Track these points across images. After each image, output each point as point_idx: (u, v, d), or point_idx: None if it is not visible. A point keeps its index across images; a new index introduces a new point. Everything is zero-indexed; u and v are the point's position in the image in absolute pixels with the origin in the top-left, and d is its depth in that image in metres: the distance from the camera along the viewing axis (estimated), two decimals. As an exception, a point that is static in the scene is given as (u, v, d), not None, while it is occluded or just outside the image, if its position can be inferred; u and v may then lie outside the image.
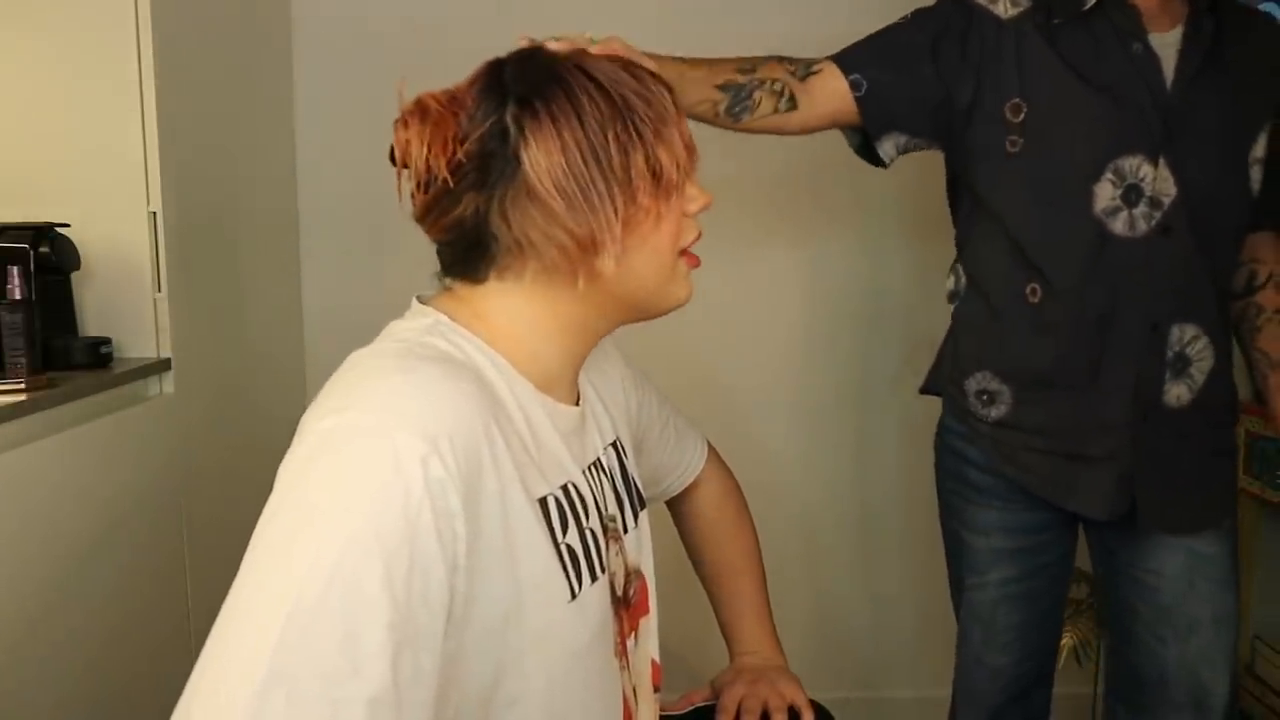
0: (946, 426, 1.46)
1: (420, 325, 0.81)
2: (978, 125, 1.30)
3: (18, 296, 1.36)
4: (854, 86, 1.31)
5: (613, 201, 0.78)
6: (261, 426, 1.88)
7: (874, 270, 2.15)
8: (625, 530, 0.93)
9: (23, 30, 1.57)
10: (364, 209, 2.07)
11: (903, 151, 1.38)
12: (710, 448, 1.21)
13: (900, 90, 1.32)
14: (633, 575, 0.94)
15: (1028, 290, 1.31)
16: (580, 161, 0.77)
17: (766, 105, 1.28)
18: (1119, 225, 1.24)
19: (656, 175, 0.80)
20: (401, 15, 2.05)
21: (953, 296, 1.44)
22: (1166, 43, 1.25)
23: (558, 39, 0.88)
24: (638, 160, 0.79)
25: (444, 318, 0.81)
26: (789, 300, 2.15)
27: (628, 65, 0.82)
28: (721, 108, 1.27)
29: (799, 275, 2.14)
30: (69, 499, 1.36)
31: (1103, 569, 1.45)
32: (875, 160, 1.38)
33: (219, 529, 1.68)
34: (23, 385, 1.34)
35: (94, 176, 1.57)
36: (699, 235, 0.86)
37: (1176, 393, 1.29)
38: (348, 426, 0.67)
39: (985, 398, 1.37)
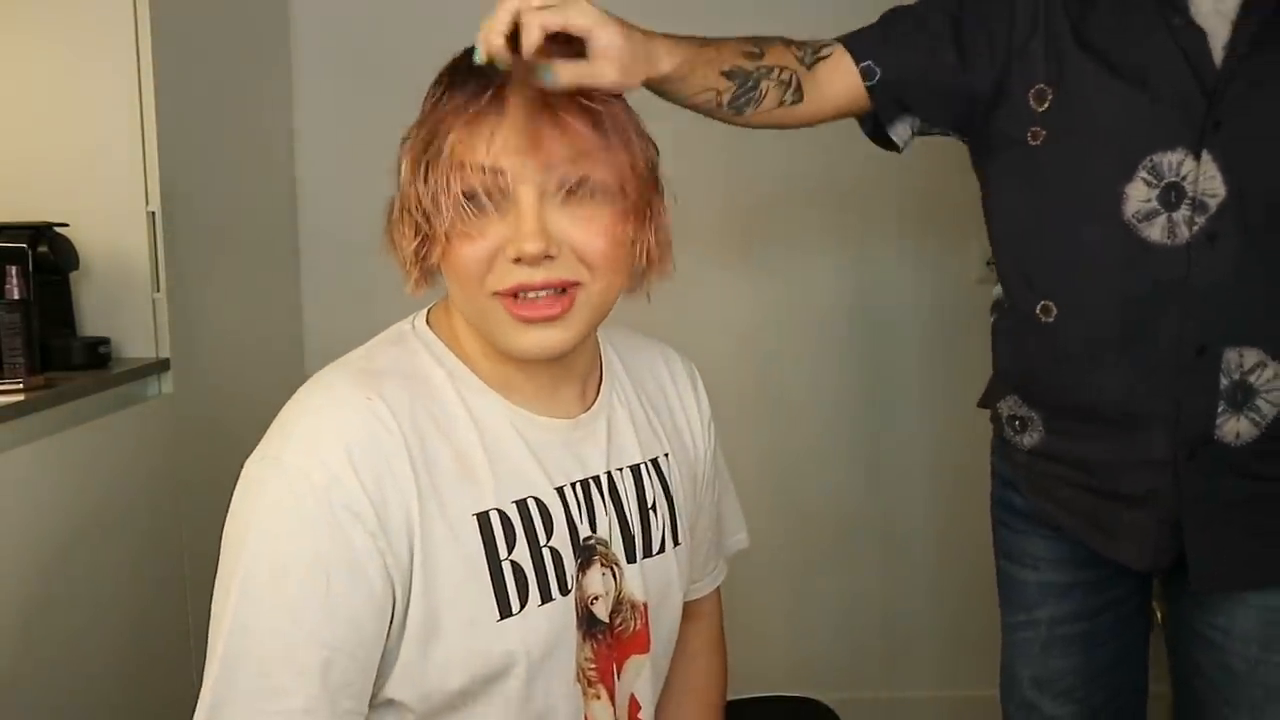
0: (993, 447, 1.31)
1: (390, 333, 0.87)
2: (1001, 113, 1.14)
3: (16, 296, 1.36)
4: (865, 75, 1.15)
5: (411, 213, 0.79)
6: (260, 427, 1.85)
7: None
8: (632, 559, 0.89)
9: (22, 30, 1.56)
10: (363, 208, 2.03)
11: (918, 134, 1.22)
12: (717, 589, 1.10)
13: (917, 78, 1.16)
14: (629, 607, 0.89)
15: (1038, 309, 1.14)
16: (407, 173, 0.81)
17: (773, 97, 1.12)
18: (1155, 232, 1.07)
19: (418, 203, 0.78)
20: (401, 14, 2.05)
21: (994, 307, 1.27)
22: (1219, 11, 1.06)
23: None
24: (422, 183, 0.78)
25: (422, 322, 0.87)
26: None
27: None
28: (725, 98, 1.10)
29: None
30: (67, 499, 1.36)
31: (1171, 616, 1.25)
32: (889, 145, 1.23)
33: (217, 529, 1.65)
34: (21, 385, 1.34)
35: (92, 176, 1.56)
36: (518, 286, 0.77)
37: (1235, 428, 1.08)
38: (264, 467, 0.79)
39: (1017, 424, 1.22)
